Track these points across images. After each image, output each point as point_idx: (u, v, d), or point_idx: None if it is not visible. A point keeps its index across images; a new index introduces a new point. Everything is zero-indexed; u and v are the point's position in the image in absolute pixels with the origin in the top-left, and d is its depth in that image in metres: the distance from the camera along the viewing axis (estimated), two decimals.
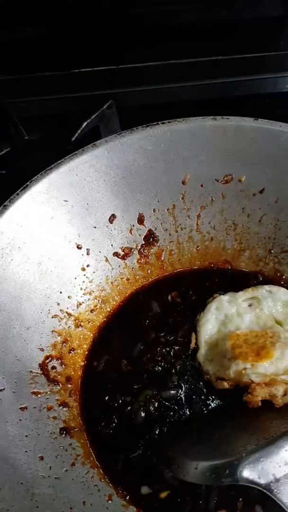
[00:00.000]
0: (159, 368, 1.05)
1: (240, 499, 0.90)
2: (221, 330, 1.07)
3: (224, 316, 1.08)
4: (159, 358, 1.07)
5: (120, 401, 1.01)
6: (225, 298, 1.10)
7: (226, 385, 0.99)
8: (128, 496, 0.92)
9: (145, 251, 1.19)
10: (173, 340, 1.09)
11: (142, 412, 0.99)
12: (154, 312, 1.15)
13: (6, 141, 1.45)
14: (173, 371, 1.05)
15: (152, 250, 1.20)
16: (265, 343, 0.99)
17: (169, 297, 1.17)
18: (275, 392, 0.93)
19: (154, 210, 1.17)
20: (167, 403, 1.01)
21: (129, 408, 1.00)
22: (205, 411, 1.00)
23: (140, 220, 1.17)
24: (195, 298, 1.16)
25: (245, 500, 0.90)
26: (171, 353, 1.08)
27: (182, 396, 1.02)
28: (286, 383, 0.94)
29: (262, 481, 0.79)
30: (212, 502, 0.90)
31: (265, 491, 0.78)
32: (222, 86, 1.72)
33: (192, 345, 1.08)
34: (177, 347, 1.08)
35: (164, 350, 1.08)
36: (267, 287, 1.11)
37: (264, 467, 0.79)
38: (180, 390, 1.02)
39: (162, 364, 1.06)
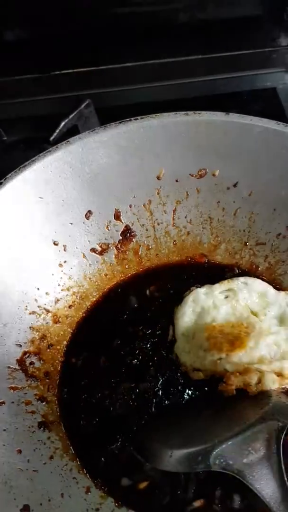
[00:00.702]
0: (137, 361, 1.06)
1: (218, 488, 0.91)
2: (198, 322, 1.08)
3: (201, 308, 1.09)
4: (137, 352, 1.08)
5: (99, 395, 1.02)
6: (201, 290, 1.11)
7: (202, 375, 1.00)
8: (106, 488, 0.93)
9: (123, 246, 1.21)
10: (151, 334, 1.11)
11: (120, 405, 1.00)
12: (132, 306, 1.16)
13: None
14: (151, 363, 1.06)
15: (129, 245, 1.21)
16: (240, 334, 1.01)
17: (147, 292, 1.18)
18: (249, 381, 0.95)
19: (130, 206, 1.18)
20: (145, 395, 1.02)
21: (107, 401, 1.01)
22: (183, 402, 1.01)
23: (117, 216, 1.18)
24: (173, 291, 1.17)
25: (223, 489, 0.91)
26: (149, 346, 1.09)
27: (159, 387, 1.03)
28: (260, 371, 0.96)
29: (235, 467, 0.81)
30: (190, 492, 0.91)
31: (237, 476, 0.80)
32: (200, 85, 1.74)
33: (170, 337, 1.09)
34: (155, 340, 1.10)
35: (142, 344, 1.09)
36: (242, 278, 1.13)
37: (237, 453, 0.81)
38: (157, 382, 1.03)
39: (140, 357, 1.07)
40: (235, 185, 1.16)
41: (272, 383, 0.95)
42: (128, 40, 1.64)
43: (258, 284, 1.12)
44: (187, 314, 1.09)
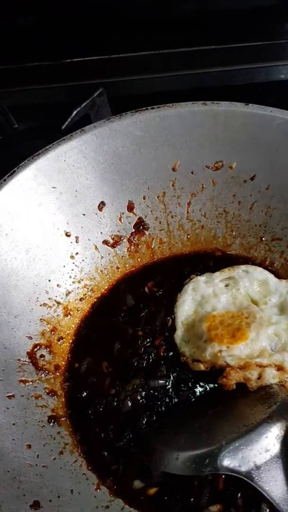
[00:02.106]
0: (148, 355, 1.04)
1: (239, 495, 0.88)
2: (198, 311, 1.06)
3: (201, 297, 1.07)
4: (150, 339, 1.06)
5: (107, 392, 1.00)
6: (201, 278, 1.09)
7: (202, 367, 0.98)
8: (116, 487, 0.90)
9: (135, 239, 1.18)
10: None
11: (129, 402, 0.98)
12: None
13: None
14: (162, 361, 1.03)
15: (142, 238, 1.19)
16: (241, 325, 0.99)
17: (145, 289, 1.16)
18: (249, 376, 0.94)
19: (144, 198, 1.15)
20: (155, 393, 0.99)
21: (115, 398, 0.99)
22: (187, 401, 0.99)
23: (130, 208, 1.15)
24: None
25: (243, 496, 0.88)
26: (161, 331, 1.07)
27: (169, 385, 1.00)
28: (260, 366, 0.95)
29: (243, 469, 0.78)
30: (204, 498, 0.88)
31: (245, 479, 0.78)
32: (215, 76, 1.71)
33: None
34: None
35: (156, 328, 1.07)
36: (243, 267, 1.11)
37: (245, 455, 0.79)
38: (168, 380, 1.00)
39: (151, 350, 1.05)
40: (252, 178, 1.13)
41: (273, 378, 0.94)
42: (143, 28, 1.61)
43: (259, 272, 1.10)
44: (186, 303, 1.07)
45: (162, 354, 1.04)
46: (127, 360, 1.03)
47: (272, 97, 1.67)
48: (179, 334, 1.05)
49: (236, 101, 1.09)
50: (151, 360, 1.03)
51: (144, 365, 1.02)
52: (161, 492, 0.88)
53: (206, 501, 0.86)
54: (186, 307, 1.07)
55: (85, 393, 1.00)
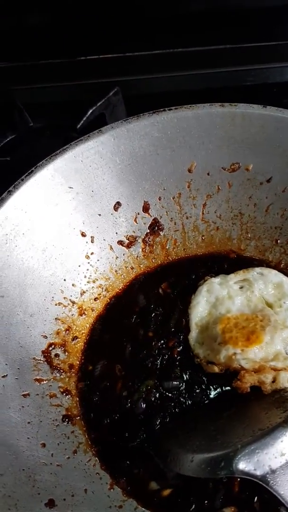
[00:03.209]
0: (162, 356, 1.04)
1: (256, 499, 0.88)
2: (212, 313, 1.06)
3: (215, 299, 1.07)
4: (164, 341, 1.06)
5: (120, 394, 1.00)
6: (216, 280, 1.09)
7: (216, 369, 0.99)
8: (129, 487, 0.91)
9: (150, 240, 1.18)
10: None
11: (142, 403, 0.98)
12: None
13: (11, 128, 1.45)
14: (177, 362, 1.04)
15: (157, 239, 1.19)
16: (255, 327, 0.99)
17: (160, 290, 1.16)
18: (264, 379, 0.93)
19: (159, 199, 1.16)
20: (168, 394, 1.00)
21: (129, 399, 0.99)
22: (202, 403, 0.99)
23: (145, 208, 1.15)
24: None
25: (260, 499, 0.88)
26: (175, 333, 1.07)
27: (183, 387, 1.00)
28: (275, 369, 0.95)
29: (258, 472, 0.78)
30: (218, 500, 0.88)
31: (261, 482, 0.78)
32: (230, 75, 1.70)
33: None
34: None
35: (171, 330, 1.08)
36: (258, 269, 1.10)
37: (260, 458, 0.78)
38: (182, 381, 1.01)
39: (165, 351, 1.05)
40: (268, 181, 1.12)
41: (287, 382, 0.93)
42: (158, 27, 1.60)
43: (274, 275, 1.10)
44: (201, 304, 1.07)
45: (176, 355, 1.04)
46: (140, 362, 1.03)
47: (286, 97, 1.67)
48: (193, 335, 1.05)
49: (251, 101, 1.09)
50: (164, 361, 1.04)
51: (158, 366, 1.03)
52: (175, 493, 0.88)
53: (220, 503, 0.87)
54: (200, 309, 1.07)
55: (98, 396, 1.01)
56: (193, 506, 0.88)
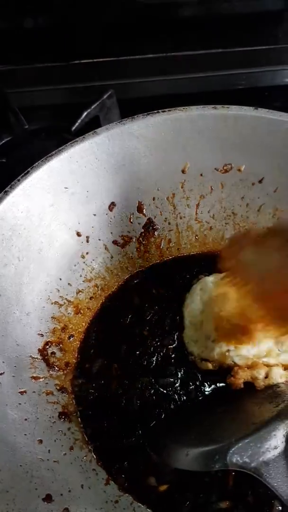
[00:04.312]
0: (157, 354, 1.06)
1: (250, 493, 0.90)
2: (206, 311, 1.07)
3: (209, 297, 1.08)
4: (158, 339, 1.08)
5: (116, 392, 1.02)
6: (209, 279, 1.11)
7: (210, 366, 1.00)
8: (126, 483, 0.92)
9: (144, 240, 1.20)
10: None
11: (137, 400, 0.99)
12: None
13: (7, 130, 1.45)
14: (172, 360, 1.06)
15: (151, 239, 1.21)
16: (248, 325, 0.99)
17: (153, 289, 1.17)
18: (257, 375, 0.96)
19: (153, 199, 1.17)
20: (164, 391, 1.01)
21: (124, 396, 1.00)
22: (197, 398, 1.00)
23: (140, 209, 1.17)
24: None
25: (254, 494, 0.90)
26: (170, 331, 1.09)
27: (178, 383, 1.02)
28: (267, 365, 0.97)
29: (252, 465, 0.80)
30: (213, 495, 0.90)
31: (254, 475, 0.80)
32: (222, 79, 1.72)
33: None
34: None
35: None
36: None
37: (254, 451, 0.80)
38: (177, 378, 1.02)
39: (159, 349, 1.07)
40: (260, 181, 1.15)
41: (280, 377, 0.96)
42: (152, 31, 1.62)
43: None
44: (195, 303, 1.09)
45: (170, 353, 1.06)
46: (136, 360, 1.05)
47: (277, 100, 1.70)
48: (187, 333, 1.07)
49: (243, 104, 1.10)
50: (160, 359, 1.05)
51: (153, 364, 1.04)
52: (172, 488, 0.90)
53: (215, 498, 0.88)
54: (194, 307, 1.09)
55: (93, 394, 1.02)
56: (189, 501, 0.89)
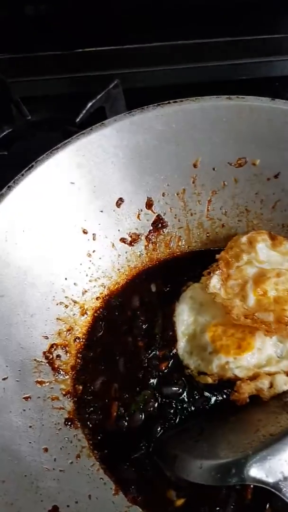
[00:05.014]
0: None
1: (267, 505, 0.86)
2: (198, 320, 1.03)
3: (199, 305, 1.04)
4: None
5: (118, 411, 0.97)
6: (199, 285, 1.06)
7: (209, 380, 0.96)
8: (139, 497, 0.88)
9: (153, 237, 1.15)
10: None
11: (141, 415, 0.95)
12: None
13: (8, 122, 1.41)
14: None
15: (160, 236, 1.16)
16: (245, 333, 0.97)
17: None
18: (261, 386, 0.92)
19: (163, 194, 1.13)
20: (167, 401, 0.96)
21: (126, 412, 0.96)
22: (207, 407, 0.96)
23: (149, 205, 1.13)
24: None
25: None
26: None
27: (183, 392, 0.97)
28: (270, 374, 0.93)
29: (270, 479, 0.75)
30: (229, 507, 0.86)
31: (273, 490, 0.75)
32: (231, 68, 1.67)
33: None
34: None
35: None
36: None
37: (272, 465, 0.76)
38: (181, 387, 0.98)
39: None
40: (276, 176, 1.10)
41: (285, 385, 0.92)
42: (159, 19, 1.57)
43: None
44: (185, 312, 1.04)
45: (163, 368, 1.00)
46: (134, 371, 1.00)
47: None
48: (181, 345, 1.02)
49: (253, 94, 1.06)
50: (158, 372, 1.00)
51: (156, 373, 0.99)
52: (188, 502, 0.86)
53: (231, 511, 0.85)
54: (185, 317, 1.04)
55: (95, 419, 0.97)
56: None
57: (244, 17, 1.61)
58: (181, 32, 1.61)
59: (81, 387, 0.99)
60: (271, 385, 0.93)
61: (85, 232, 1.07)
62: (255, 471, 0.75)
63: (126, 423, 0.94)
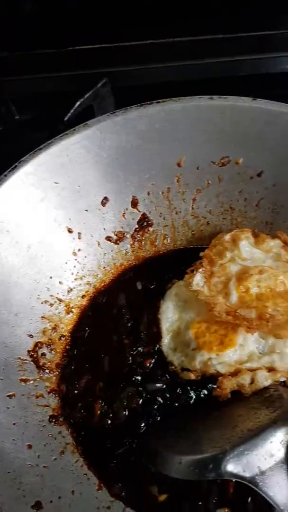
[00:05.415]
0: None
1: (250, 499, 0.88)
2: (182, 317, 1.04)
3: (184, 302, 1.05)
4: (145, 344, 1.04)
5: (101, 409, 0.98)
6: (184, 283, 1.07)
7: (192, 376, 0.97)
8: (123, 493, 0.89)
9: (139, 235, 1.16)
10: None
11: (124, 412, 0.96)
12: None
13: None
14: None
15: (146, 235, 1.17)
16: (228, 330, 0.98)
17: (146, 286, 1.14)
18: (242, 382, 0.93)
19: (148, 193, 1.13)
20: (151, 397, 0.97)
21: (110, 409, 0.97)
22: (190, 403, 0.97)
23: (134, 204, 1.13)
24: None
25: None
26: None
27: (167, 389, 0.98)
28: (251, 370, 0.94)
29: (247, 474, 0.77)
30: (212, 502, 0.88)
31: (250, 484, 0.77)
32: (222, 66, 1.66)
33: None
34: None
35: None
36: None
37: (249, 460, 0.77)
38: (165, 383, 0.99)
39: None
40: (259, 175, 1.10)
41: (265, 380, 0.93)
42: (148, 17, 1.56)
43: None
44: (170, 309, 1.05)
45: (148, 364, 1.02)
46: (119, 369, 1.01)
47: (279, 88, 1.64)
48: (165, 342, 1.03)
49: (243, 92, 1.06)
50: (142, 369, 1.01)
51: (140, 370, 1.01)
52: (171, 497, 0.88)
53: (214, 505, 0.86)
54: (170, 314, 1.05)
55: (79, 418, 0.97)
56: (187, 509, 0.87)
57: (234, 13, 1.60)
58: (170, 29, 1.61)
59: (65, 386, 1.00)
60: (253, 381, 0.93)
61: (70, 231, 1.07)
62: (232, 466, 0.76)
63: (110, 421, 0.95)
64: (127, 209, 1.13)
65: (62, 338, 1.05)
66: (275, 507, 0.77)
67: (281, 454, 0.79)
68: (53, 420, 0.95)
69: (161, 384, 0.98)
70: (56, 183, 1.02)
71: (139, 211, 1.15)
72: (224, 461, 0.76)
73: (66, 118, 1.37)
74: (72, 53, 1.57)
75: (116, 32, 1.58)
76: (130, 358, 1.02)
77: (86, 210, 1.08)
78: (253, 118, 1.04)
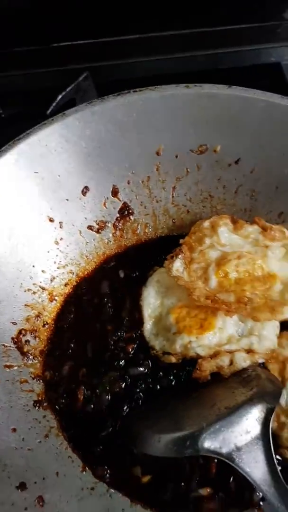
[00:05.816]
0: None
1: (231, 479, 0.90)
2: (164, 303, 1.06)
3: (165, 288, 1.07)
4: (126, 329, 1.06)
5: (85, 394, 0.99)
6: (165, 270, 1.08)
7: (173, 359, 0.99)
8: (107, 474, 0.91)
9: (120, 224, 1.18)
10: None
11: (106, 396, 0.97)
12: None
13: None
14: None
15: (127, 223, 1.19)
16: (207, 314, 0.99)
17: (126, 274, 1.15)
18: (221, 364, 0.95)
19: (128, 182, 1.15)
20: (134, 381, 0.99)
21: (93, 395, 0.98)
22: (172, 385, 0.99)
23: (114, 193, 1.15)
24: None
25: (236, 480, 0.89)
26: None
27: (148, 372, 1.00)
28: (230, 352, 0.96)
29: (224, 450, 0.79)
30: (194, 481, 0.90)
31: (226, 460, 0.79)
32: (204, 59, 1.68)
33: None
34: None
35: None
36: None
37: (226, 436, 0.80)
38: (147, 367, 1.00)
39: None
40: (236, 162, 1.12)
41: (244, 361, 0.95)
42: (128, 12, 1.58)
43: None
44: (151, 295, 1.07)
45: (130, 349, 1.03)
46: (101, 354, 1.03)
47: (262, 80, 1.66)
48: (147, 327, 1.05)
49: (226, 84, 1.08)
50: (124, 353, 1.03)
51: (122, 355, 1.02)
52: (154, 478, 0.90)
53: (196, 485, 0.88)
54: (152, 300, 1.07)
55: (62, 399, 0.99)
56: (170, 489, 0.89)
57: (215, 7, 1.61)
58: (151, 24, 1.62)
59: (49, 372, 1.01)
60: (231, 362, 0.95)
61: (51, 220, 1.09)
62: (209, 443, 0.79)
63: (93, 405, 0.97)
64: (107, 198, 1.15)
65: (45, 325, 1.06)
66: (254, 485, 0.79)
67: (256, 430, 0.81)
68: (38, 404, 0.96)
69: (143, 368, 1.00)
70: (36, 172, 1.03)
71: (120, 200, 1.16)
72: (201, 438, 0.79)
73: (48, 112, 1.38)
74: (54, 49, 1.58)
75: (97, 28, 1.60)
76: (113, 344, 1.03)
77: (67, 200, 1.10)
78: (229, 105, 1.06)
